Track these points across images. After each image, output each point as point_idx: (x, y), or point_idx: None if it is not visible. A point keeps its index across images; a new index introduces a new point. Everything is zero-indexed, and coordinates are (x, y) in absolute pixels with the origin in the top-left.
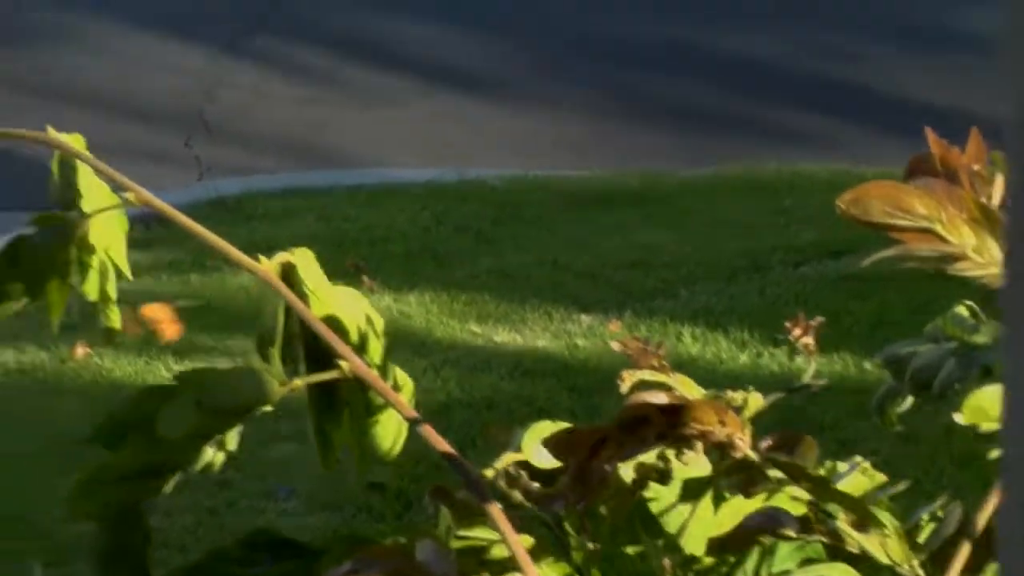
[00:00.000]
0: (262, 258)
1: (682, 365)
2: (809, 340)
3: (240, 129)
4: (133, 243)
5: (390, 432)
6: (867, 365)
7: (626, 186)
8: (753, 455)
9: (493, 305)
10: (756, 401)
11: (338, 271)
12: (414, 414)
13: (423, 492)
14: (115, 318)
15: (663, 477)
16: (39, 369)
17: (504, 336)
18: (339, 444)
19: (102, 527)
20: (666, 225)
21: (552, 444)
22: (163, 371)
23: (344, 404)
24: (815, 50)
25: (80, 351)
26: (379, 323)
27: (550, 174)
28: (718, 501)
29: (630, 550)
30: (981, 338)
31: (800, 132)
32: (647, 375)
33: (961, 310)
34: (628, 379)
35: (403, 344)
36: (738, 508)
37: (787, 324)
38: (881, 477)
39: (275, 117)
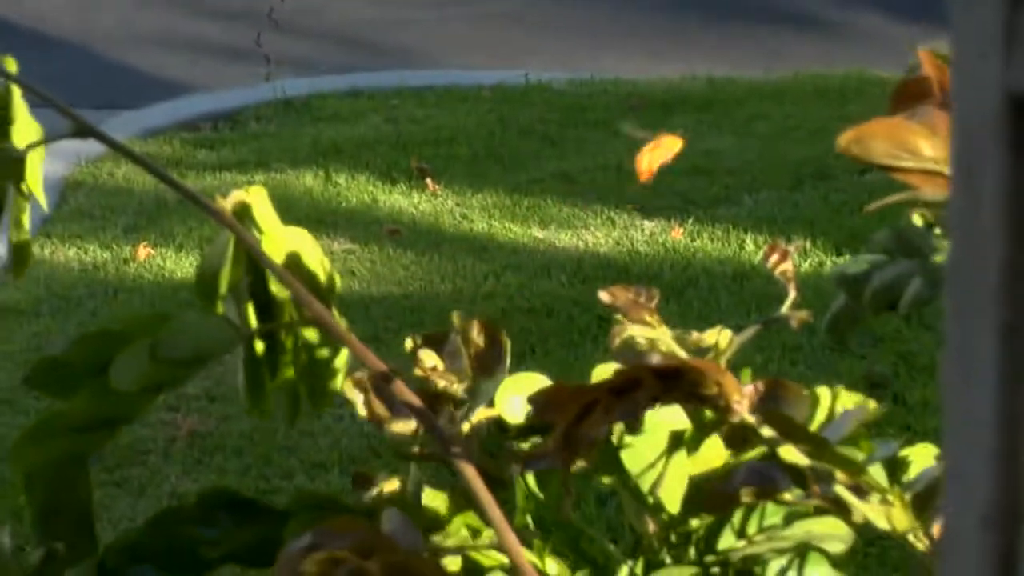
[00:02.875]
0: (218, 196)
1: (744, 274)
2: (788, 267)
3: (309, 28)
4: (200, 142)
5: (341, 377)
6: None
7: (693, 90)
8: (750, 418)
9: (555, 209)
10: (727, 339)
11: (403, 173)
12: (382, 365)
13: None
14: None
15: (631, 428)
16: (101, 269)
17: (566, 241)
18: (271, 391)
19: (46, 479)
20: (731, 131)
21: (538, 403)
22: None
23: (284, 351)
24: None
25: (142, 252)
26: (331, 268)
27: (617, 77)
28: (695, 446)
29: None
30: (941, 256)
31: (870, 36)
32: (638, 331)
33: (917, 220)
34: (618, 335)
35: (465, 248)
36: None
37: (765, 249)
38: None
39: (344, 16)
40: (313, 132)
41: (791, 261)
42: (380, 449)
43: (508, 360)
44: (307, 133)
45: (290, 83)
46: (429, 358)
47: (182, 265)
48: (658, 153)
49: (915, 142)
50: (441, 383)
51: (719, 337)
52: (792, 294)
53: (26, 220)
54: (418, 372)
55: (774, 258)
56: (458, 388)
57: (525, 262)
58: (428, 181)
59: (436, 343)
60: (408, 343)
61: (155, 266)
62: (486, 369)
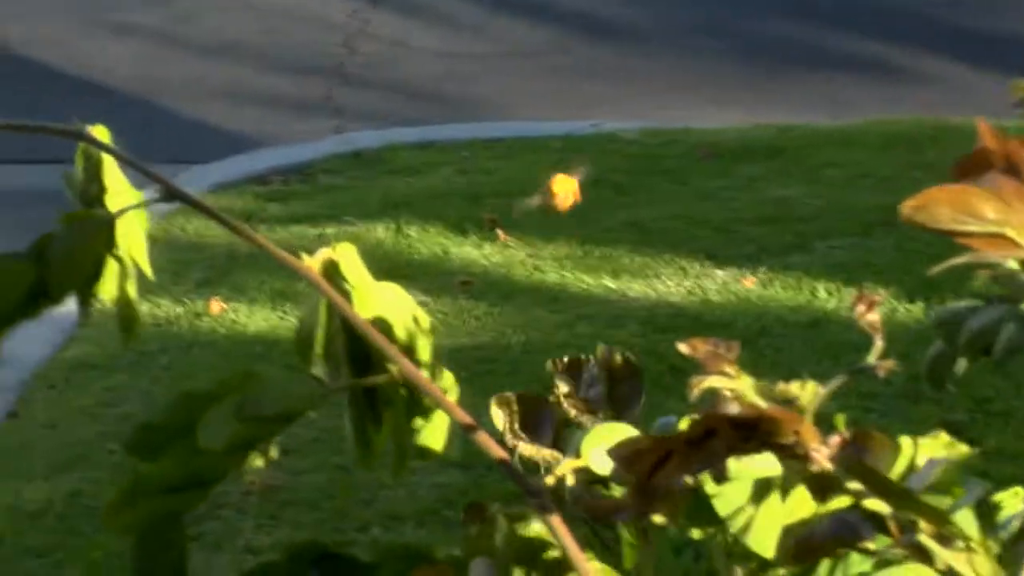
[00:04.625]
0: (304, 255)
1: (817, 321)
2: (875, 317)
3: (379, 81)
4: (271, 196)
5: (438, 432)
6: None
7: (762, 138)
8: (830, 466)
9: (627, 259)
10: (812, 391)
11: (474, 225)
12: (469, 420)
13: None
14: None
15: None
16: (174, 323)
17: (638, 290)
18: (379, 445)
19: (140, 541)
20: (802, 178)
21: (616, 456)
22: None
23: (386, 405)
24: None
25: (215, 306)
26: (425, 321)
27: (686, 127)
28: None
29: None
30: None
31: (944, 83)
32: (717, 382)
33: (1012, 264)
34: (697, 386)
35: (537, 299)
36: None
37: (852, 298)
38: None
39: (415, 69)
40: (384, 184)
41: (878, 310)
42: (454, 500)
43: (644, 395)
44: (378, 186)
45: (361, 136)
46: (564, 384)
47: (255, 319)
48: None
49: (979, 206)
50: (572, 411)
51: (805, 388)
52: (879, 343)
53: (131, 288)
54: (551, 398)
55: (861, 307)
56: (588, 419)
57: (597, 312)
58: (499, 232)
59: (574, 370)
60: (549, 364)
61: (228, 320)
62: (623, 401)
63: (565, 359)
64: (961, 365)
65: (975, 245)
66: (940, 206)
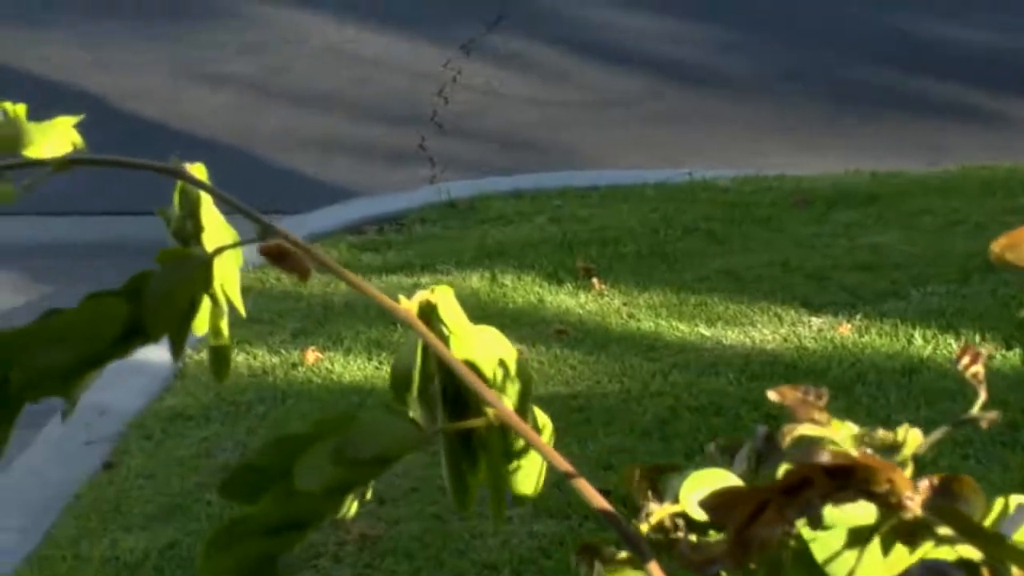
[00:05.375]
0: (402, 298)
1: (913, 369)
2: (979, 369)
3: (473, 130)
4: (365, 246)
5: (531, 477)
6: None
7: (857, 185)
8: (923, 514)
9: (722, 307)
10: (915, 440)
11: (569, 273)
12: (569, 467)
13: None
14: (227, 357)
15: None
16: (270, 374)
17: (733, 338)
18: (475, 487)
19: None
20: (897, 224)
21: (710, 506)
22: None
23: (481, 447)
24: None
25: (311, 356)
26: (522, 366)
27: (781, 174)
28: (887, 548)
29: None
30: None
31: None
32: (808, 429)
33: None
34: (788, 434)
35: (631, 347)
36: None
37: (957, 351)
38: None
39: (507, 118)
40: (478, 234)
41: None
42: (550, 550)
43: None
44: (472, 235)
45: (455, 185)
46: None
47: (350, 369)
48: None
49: None
50: None
51: (907, 435)
52: (983, 396)
53: (224, 326)
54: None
55: (966, 359)
56: None
57: (692, 360)
58: (594, 281)
59: (734, 449)
60: (710, 447)
61: (323, 370)
62: (760, 466)
63: (723, 442)
64: None
65: None
66: None
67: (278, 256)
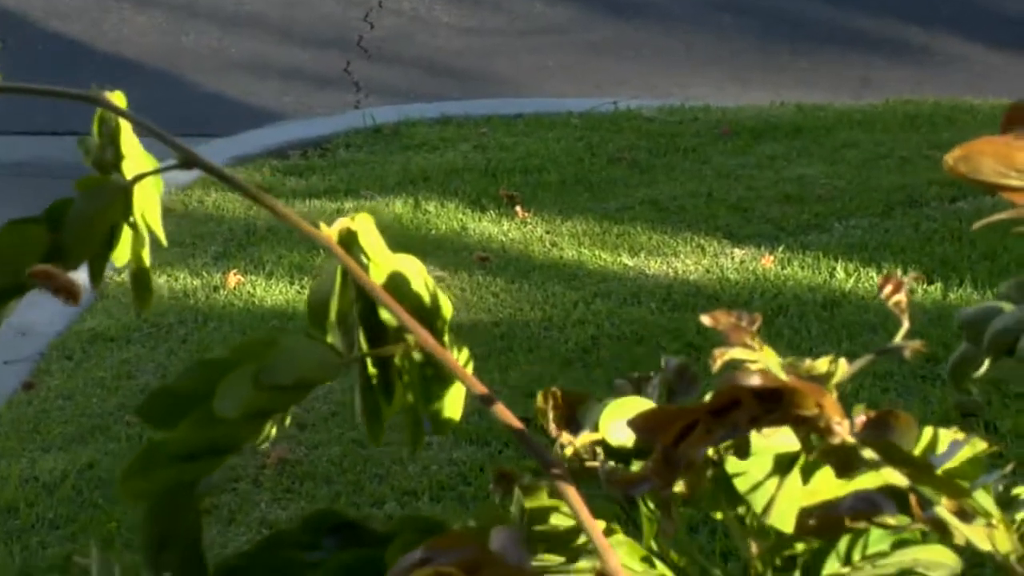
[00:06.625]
0: (322, 224)
1: (835, 302)
2: (901, 299)
3: (399, 56)
4: (289, 170)
5: (451, 405)
6: None
7: (782, 118)
8: (851, 439)
9: (645, 237)
10: (842, 370)
11: (492, 201)
12: (484, 390)
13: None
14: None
15: (740, 451)
16: (191, 296)
17: (655, 268)
18: (388, 418)
19: (154, 508)
20: (821, 158)
21: (638, 425)
22: None
23: (397, 376)
24: None
25: (232, 279)
26: (443, 297)
27: (706, 105)
28: (808, 476)
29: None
30: None
31: (961, 63)
32: (739, 353)
33: None
34: (719, 358)
35: (554, 276)
36: (831, 481)
37: (879, 280)
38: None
39: (434, 44)
40: (402, 160)
41: (905, 292)
42: (469, 476)
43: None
44: (396, 161)
45: (380, 111)
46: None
47: (272, 292)
48: None
49: (1022, 159)
50: None
51: (832, 365)
52: (905, 325)
53: (146, 254)
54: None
55: (888, 288)
56: None
57: (615, 289)
58: (517, 209)
59: (643, 383)
60: (617, 381)
61: (245, 293)
62: (672, 399)
63: (636, 374)
64: (985, 364)
65: (1017, 200)
66: (984, 157)
67: (46, 278)
